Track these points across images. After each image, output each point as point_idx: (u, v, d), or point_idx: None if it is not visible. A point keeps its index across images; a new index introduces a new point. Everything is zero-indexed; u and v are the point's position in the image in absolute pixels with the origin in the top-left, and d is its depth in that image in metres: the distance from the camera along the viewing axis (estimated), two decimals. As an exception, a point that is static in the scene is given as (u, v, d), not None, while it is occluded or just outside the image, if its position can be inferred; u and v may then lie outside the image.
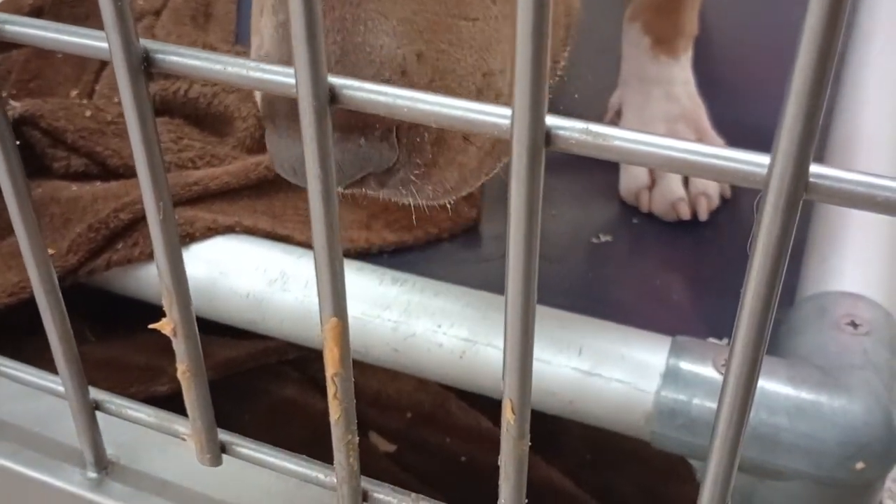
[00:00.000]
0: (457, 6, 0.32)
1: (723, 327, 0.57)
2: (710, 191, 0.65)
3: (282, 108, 0.31)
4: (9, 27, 0.26)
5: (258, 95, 0.35)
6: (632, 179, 0.65)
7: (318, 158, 0.22)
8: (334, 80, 0.22)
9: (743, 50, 0.83)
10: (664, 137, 0.20)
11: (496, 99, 0.34)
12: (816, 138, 0.18)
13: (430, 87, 0.32)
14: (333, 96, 0.22)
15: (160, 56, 0.23)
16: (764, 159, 0.19)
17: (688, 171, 0.20)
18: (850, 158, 0.58)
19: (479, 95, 0.33)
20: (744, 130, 0.68)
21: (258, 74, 0.22)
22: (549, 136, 0.20)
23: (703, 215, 0.64)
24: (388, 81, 0.30)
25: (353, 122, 0.31)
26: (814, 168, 0.19)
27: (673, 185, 0.64)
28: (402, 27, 0.31)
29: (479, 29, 0.33)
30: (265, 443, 0.32)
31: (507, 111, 0.20)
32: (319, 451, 0.32)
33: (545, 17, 0.18)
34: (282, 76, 0.22)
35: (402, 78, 0.31)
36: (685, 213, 0.64)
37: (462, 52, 0.33)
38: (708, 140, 0.67)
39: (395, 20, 0.31)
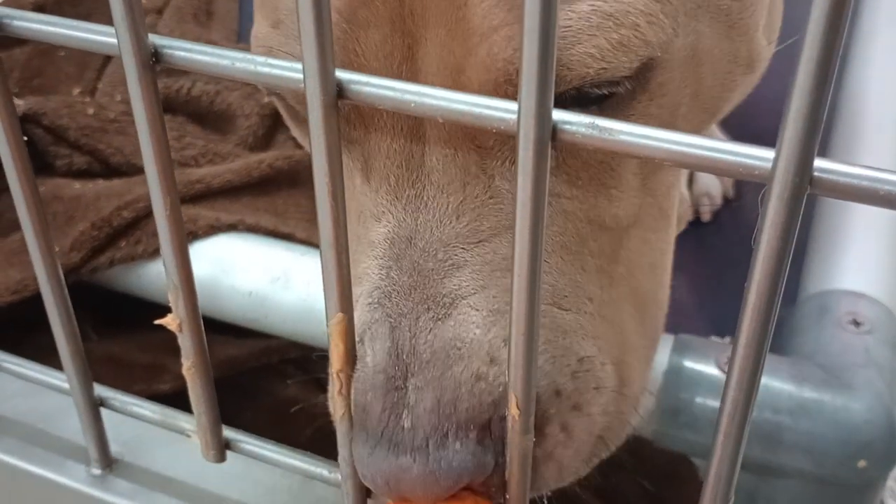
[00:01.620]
0: (551, 296, 0.32)
1: (725, 325, 0.57)
2: (713, 191, 0.65)
3: (374, 417, 0.29)
4: (16, 23, 0.26)
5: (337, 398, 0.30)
6: None
7: (325, 153, 0.22)
8: (342, 74, 0.22)
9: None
10: (669, 132, 0.20)
11: (596, 383, 0.33)
12: (820, 132, 0.18)
13: None
14: (341, 91, 0.22)
15: (169, 51, 0.23)
16: (768, 154, 0.19)
17: (693, 166, 0.20)
18: (854, 152, 0.58)
19: (574, 378, 0.32)
20: (746, 126, 0.68)
21: (266, 70, 0.22)
22: (555, 131, 0.20)
23: (706, 216, 0.65)
24: (478, 374, 0.29)
25: (444, 425, 0.29)
26: (818, 162, 0.19)
27: None
28: (492, 317, 0.30)
29: (573, 318, 0.33)
30: (268, 441, 0.32)
31: (513, 105, 0.21)
32: (321, 451, 0.32)
33: (552, 11, 0.19)
34: (290, 71, 0.22)
35: (491, 366, 0.30)
36: (688, 215, 0.64)
37: (554, 335, 0.32)
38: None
39: (485, 311, 0.30)
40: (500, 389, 0.29)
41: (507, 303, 0.29)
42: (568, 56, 0.29)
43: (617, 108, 0.32)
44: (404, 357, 0.29)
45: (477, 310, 0.30)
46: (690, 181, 0.65)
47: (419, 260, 0.30)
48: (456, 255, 0.31)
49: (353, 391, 0.29)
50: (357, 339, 0.29)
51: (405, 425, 0.29)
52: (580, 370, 0.33)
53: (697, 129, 0.37)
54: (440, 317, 0.30)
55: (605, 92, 0.31)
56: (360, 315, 0.30)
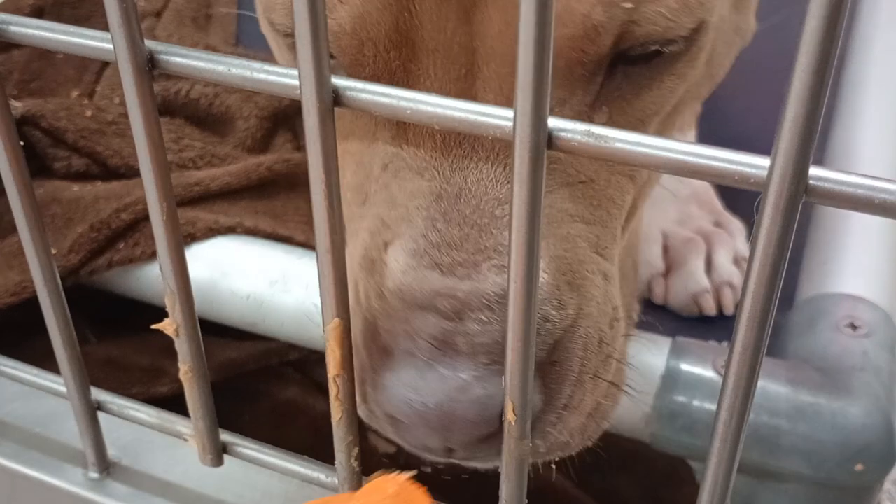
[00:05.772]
0: (595, 245, 0.33)
1: (722, 329, 0.57)
2: (735, 280, 0.56)
3: (427, 337, 0.29)
4: (13, 28, 0.26)
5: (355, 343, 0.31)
6: (643, 267, 0.57)
7: (322, 159, 0.22)
8: (338, 81, 0.22)
9: (740, 60, 0.83)
10: (665, 139, 0.20)
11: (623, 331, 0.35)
12: (816, 140, 0.18)
13: (574, 322, 0.32)
14: (337, 97, 0.22)
15: (165, 57, 0.23)
16: (764, 161, 0.19)
17: (689, 174, 0.20)
18: (850, 162, 0.58)
19: (611, 327, 0.34)
20: (739, 145, 0.68)
21: (262, 76, 0.22)
22: (551, 138, 0.20)
23: (730, 309, 0.55)
24: (546, 316, 0.30)
25: (464, 347, 0.29)
26: (813, 170, 0.19)
27: (695, 272, 0.56)
28: (553, 262, 0.31)
29: (610, 267, 0.34)
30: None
31: (508, 113, 0.21)
32: (321, 453, 0.32)
33: (547, 19, 0.19)
34: (286, 78, 0.22)
35: (559, 309, 0.31)
36: (710, 308, 0.55)
37: (601, 281, 0.33)
38: (725, 220, 0.61)
39: (546, 258, 0.31)
40: (560, 333, 0.30)
41: (565, 249, 0.31)
42: (640, 13, 0.30)
43: (664, 66, 0.33)
44: (461, 297, 0.29)
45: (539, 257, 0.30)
46: (709, 266, 0.56)
47: (472, 216, 0.30)
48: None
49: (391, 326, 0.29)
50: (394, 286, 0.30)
51: (463, 349, 0.28)
52: (616, 318, 0.34)
53: (705, 96, 0.40)
54: (504, 264, 0.29)
55: (660, 49, 0.32)
56: (399, 263, 0.30)
